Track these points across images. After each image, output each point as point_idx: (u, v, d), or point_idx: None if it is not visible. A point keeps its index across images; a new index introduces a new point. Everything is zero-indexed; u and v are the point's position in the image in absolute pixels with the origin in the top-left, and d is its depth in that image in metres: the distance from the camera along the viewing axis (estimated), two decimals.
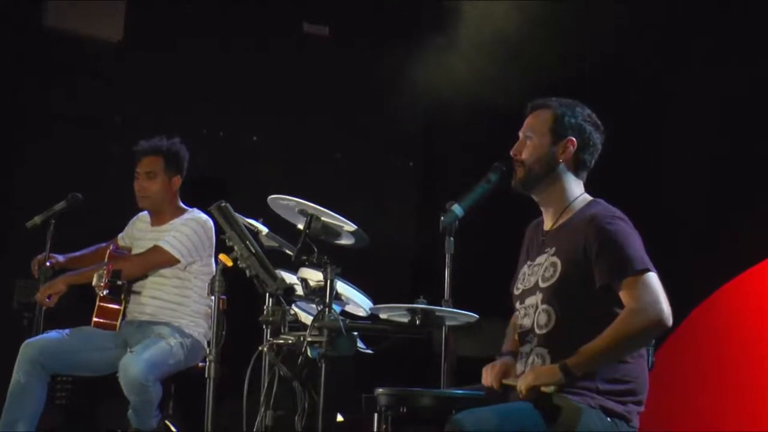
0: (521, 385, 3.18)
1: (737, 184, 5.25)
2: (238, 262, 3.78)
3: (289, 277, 3.97)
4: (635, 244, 3.24)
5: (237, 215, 3.87)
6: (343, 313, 4.00)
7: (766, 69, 5.13)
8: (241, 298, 4.37)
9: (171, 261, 4.96)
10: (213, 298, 3.91)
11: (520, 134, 3.50)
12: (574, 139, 3.42)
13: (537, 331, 3.33)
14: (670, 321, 3.15)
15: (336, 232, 3.93)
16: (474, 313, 3.73)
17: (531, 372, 3.20)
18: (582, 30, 5.53)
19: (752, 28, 5.21)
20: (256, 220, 4.11)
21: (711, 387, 5.19)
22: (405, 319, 3.76)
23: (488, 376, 3.38)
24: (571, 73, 5.54)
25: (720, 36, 5.32)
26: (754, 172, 5.17)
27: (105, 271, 4.78)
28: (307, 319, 4.04)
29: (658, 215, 5.22)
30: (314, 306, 3.88)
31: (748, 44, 5.23)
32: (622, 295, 3.19)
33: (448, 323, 3.81)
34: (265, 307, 3.96)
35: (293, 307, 4.07)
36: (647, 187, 5.47)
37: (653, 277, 3.19)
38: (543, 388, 3.13)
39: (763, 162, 5.11)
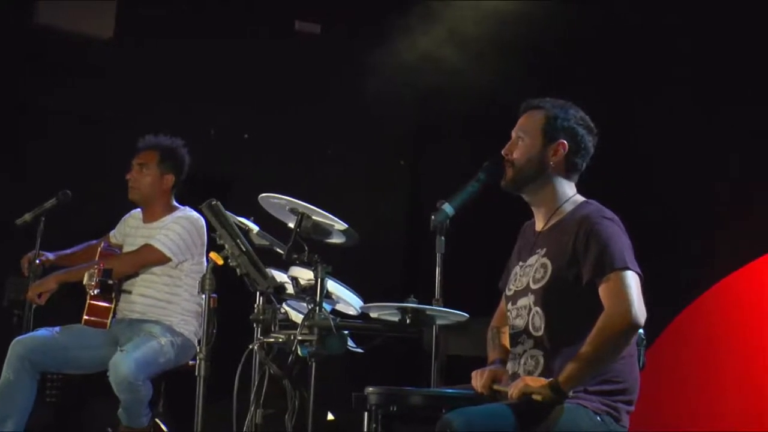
0: (513, 391, 3.18)
1: (728, 182, 5.25)
2: (229, 261, 3.78)
3: (280, 276, 3.97)
4: (619, 243, 3.25)
5: (228, 213, 3.86)
6: (334, 311, 4.00)
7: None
8: (231, 297, 4.36)
9: (162, 259, 4.95)
10: (203, 296, 3.90)
11: (513, 134, 3.51)
12: (565, 142, 3.42)
13: (532, 332, 3.33)
14: (641, 320, 3.16)
15: (327, 231, 3.93)
16: (464, 312, 3.73)
17: (523, 381, 3.19)
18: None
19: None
20: (247, 218, 4.10)
21: (702, 386, 5.20)
22: (395, 318, 3.76)
23: (478, 383, 3.39)
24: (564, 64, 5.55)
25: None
26: (748, 169, 5.17)
27: (96, 270, 4.77)
28: (297, 317, 4.04)
29: (649, 213, 5.22)
30: (305, 305, 3.88)
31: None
32: (601, 292, 3.21)
33: (438, 322, 3.81)
34: (255, 306, 3.96)
35: (284, 305, 4.07)
36: (639, 183, 5.46)
37: (630, 276, 3.19)
38: (534, 396, 3.14)
39: (758, 157, 5.11)
